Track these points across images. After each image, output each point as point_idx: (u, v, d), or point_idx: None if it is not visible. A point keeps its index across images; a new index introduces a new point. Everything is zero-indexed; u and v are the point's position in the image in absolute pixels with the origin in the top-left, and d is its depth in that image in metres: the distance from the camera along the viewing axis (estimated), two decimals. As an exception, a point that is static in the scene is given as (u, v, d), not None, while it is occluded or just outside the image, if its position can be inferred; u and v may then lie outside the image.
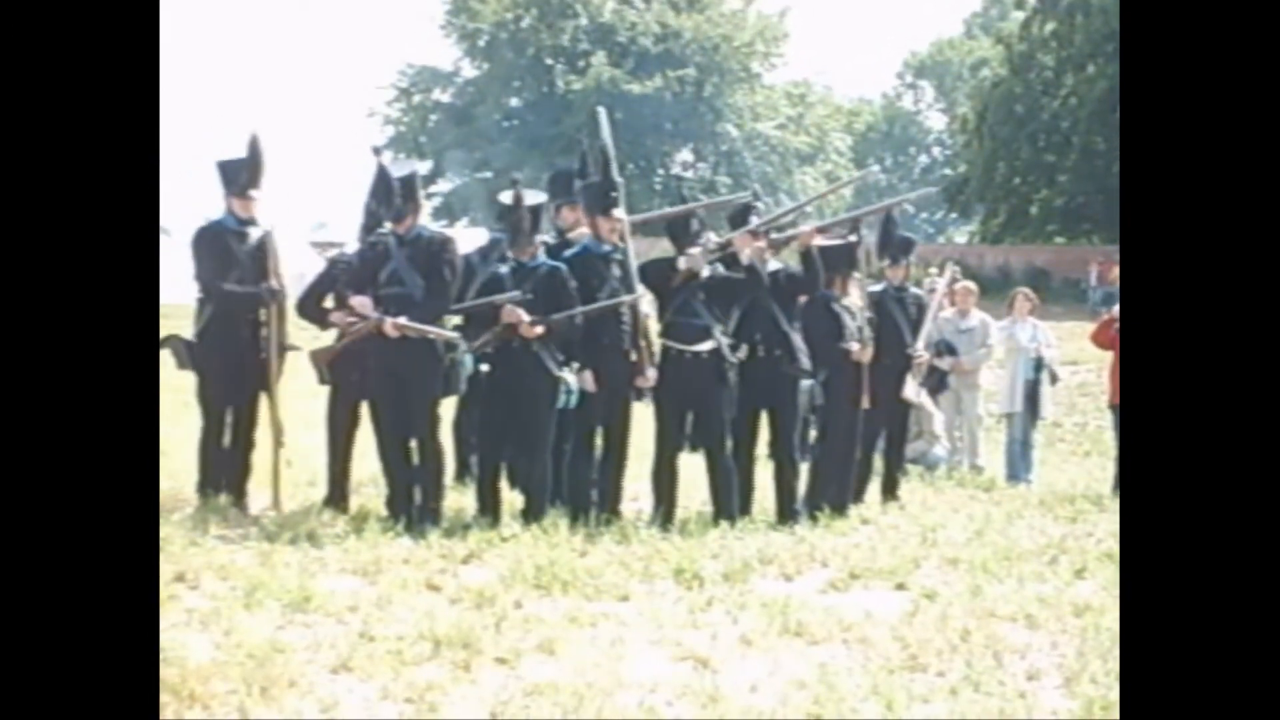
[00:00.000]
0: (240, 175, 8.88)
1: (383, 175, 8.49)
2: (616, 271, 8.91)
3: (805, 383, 9.36)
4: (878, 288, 10.72)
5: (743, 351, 9.10)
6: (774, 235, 9.52)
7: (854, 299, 9.90)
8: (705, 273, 8.95)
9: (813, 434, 10.28)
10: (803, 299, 9.49)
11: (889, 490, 10.93)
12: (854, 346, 9.73)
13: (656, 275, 9.05)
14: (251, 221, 8.93)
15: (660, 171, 57.81)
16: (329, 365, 8.83)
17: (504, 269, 8.68)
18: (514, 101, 60.84)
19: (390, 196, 8.41)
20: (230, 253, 8.82)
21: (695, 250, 8.92)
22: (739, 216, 9.49)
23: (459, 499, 9.03)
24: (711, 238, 9.15)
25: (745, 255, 9.04)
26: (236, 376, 8.84)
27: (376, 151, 8.70)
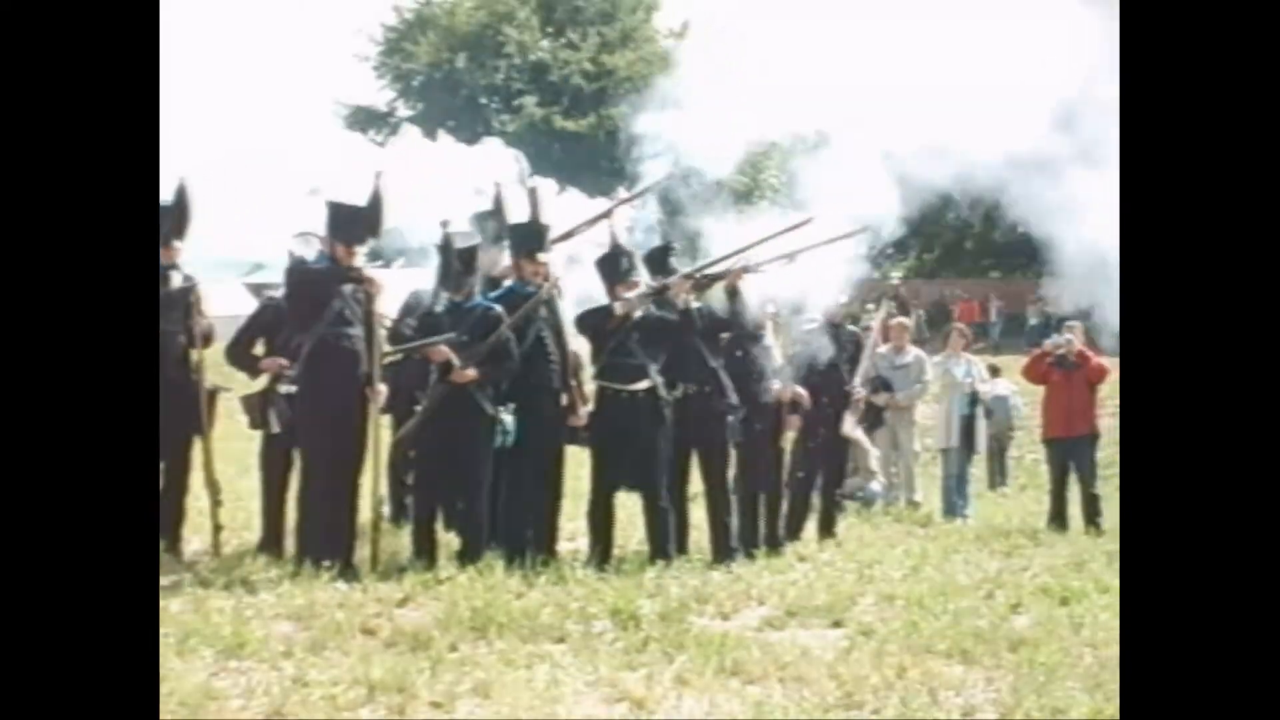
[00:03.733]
0: (164, 223, 8.36)
1: (376, 197, 8.42)
2: (543, 312, 8.89)
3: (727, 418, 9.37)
4: (814, 325, 10.73)
5: (678, 390, 9.11)
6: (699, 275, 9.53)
7: (771, 335, 9.93)
8: (638, 313, 8.96)
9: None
10: (724, 336, 9.50)
11: (826, 527, 10.94)
12: (775, 385, 9.76)
13: (593, 322, 9.05)
14: (174, 268, 8.72)
15: (596, 209, 57.95)
16: (261, 409, 8.74)
17: (439, 309, 8.67)
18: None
19: (374, 220, 8.38)
20: None
21: (631, 295, 8.94)
22: (657, 259, 9.47)
23: (394, 541, 8.96)
24: (645, 279, 9.16)
25: (681, 299, 9.07)
26: (168, 421, 8.68)
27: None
